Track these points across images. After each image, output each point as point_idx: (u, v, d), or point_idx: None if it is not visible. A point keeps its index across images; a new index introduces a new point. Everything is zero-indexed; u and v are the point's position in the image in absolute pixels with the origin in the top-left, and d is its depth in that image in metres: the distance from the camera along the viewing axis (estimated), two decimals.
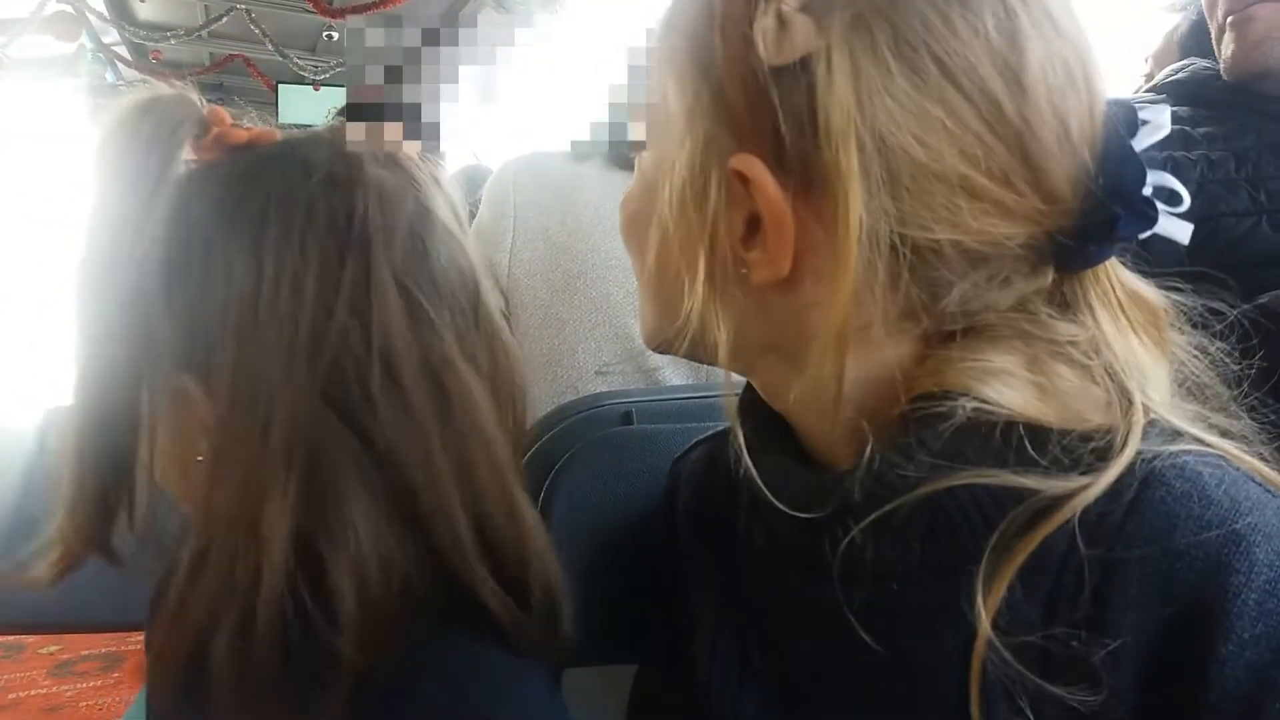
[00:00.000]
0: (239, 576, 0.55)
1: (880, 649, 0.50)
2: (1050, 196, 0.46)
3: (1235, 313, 0.54)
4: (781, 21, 0.45)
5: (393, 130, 1.12)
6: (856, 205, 0.44)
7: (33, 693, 2.47)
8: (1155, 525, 0.44)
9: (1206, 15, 1.01)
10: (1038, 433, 0.46)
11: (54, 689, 2.49)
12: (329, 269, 0.56)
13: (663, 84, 0.53)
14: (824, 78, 0.44)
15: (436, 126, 1.11)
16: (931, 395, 0.48)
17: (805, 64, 0.45)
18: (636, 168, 0.58)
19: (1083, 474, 0.45)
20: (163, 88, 0.61)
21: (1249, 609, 0.42)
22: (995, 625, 0.45)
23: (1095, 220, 0.47)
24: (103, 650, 2.67)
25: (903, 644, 0.50)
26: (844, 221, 0.45)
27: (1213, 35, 1.00)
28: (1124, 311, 0.52)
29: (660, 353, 0.61)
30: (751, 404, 0.59)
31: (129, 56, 7.27)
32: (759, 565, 0.59)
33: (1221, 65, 0.98)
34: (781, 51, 0.45)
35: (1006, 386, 0.47)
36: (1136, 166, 0.47)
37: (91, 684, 2.51)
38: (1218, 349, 0.53)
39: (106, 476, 0.59)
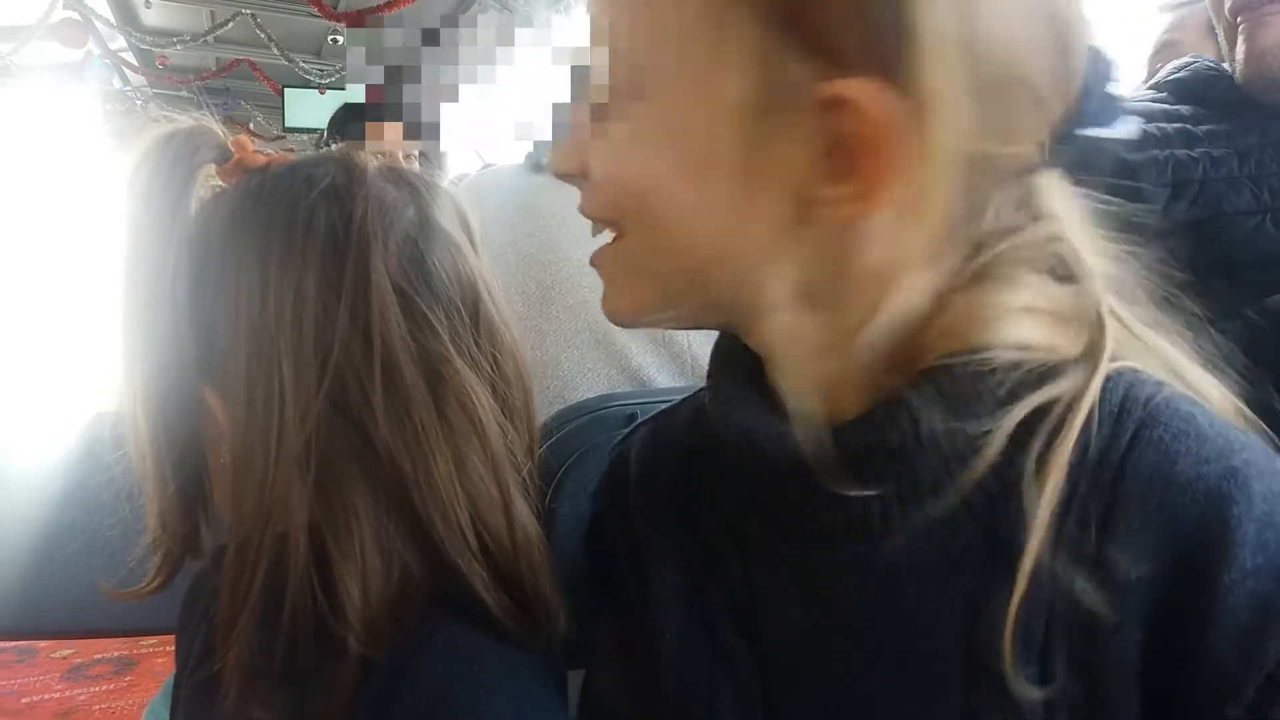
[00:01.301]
0: (266, 571, 0.58)
1: (884, 607, 0.49)
2: (1069, 97, 0.46)
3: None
4: None
5: (393, 131, 1.12)
6: (951, 121, 0.41)
7: (46, 697, 2.49)
8: (1156, 461, 0.44)
9: (1213, 15, 1.00)
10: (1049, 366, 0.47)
11: (67, 693, 2.51)
12: (328, 274, 0.59)
13: (667, 22, 0.47)
14: None
15: (436, 126, 1.12)
16: (966, 350, 0.47)
17: None
18: (614, 130, 0.51)
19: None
20: (183, 120, 0.64)
21: (1249, 539, 0.42)
22: (1009, 570, 0.45)
23: (1074, 114, 0.47)
24: (115, 654, 2.69)
25: (906, 602, 0.49)
26: (938, 140, 0.41)
27: (1220, 35, 0.99)
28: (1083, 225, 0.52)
29: (653, 327, 0.59)
30: (729, 359, 0.57)
31: (136, 62, 7.32)
32: (731, 538, 0.58)
33: (1232, 67, 0.97)
34: None
35: (1030, 326, 0.47)
36: (1105, 63, 0.48)
37: (104, 687, 2.53)
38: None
39: (186, 480, 0.62)
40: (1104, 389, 0.46)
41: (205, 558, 0.67)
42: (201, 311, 0.60)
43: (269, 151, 0.66)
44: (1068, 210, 0.50)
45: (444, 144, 1.09)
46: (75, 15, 5.60)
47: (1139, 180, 0.92)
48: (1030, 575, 0.45)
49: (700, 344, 1.10)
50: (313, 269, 0.59)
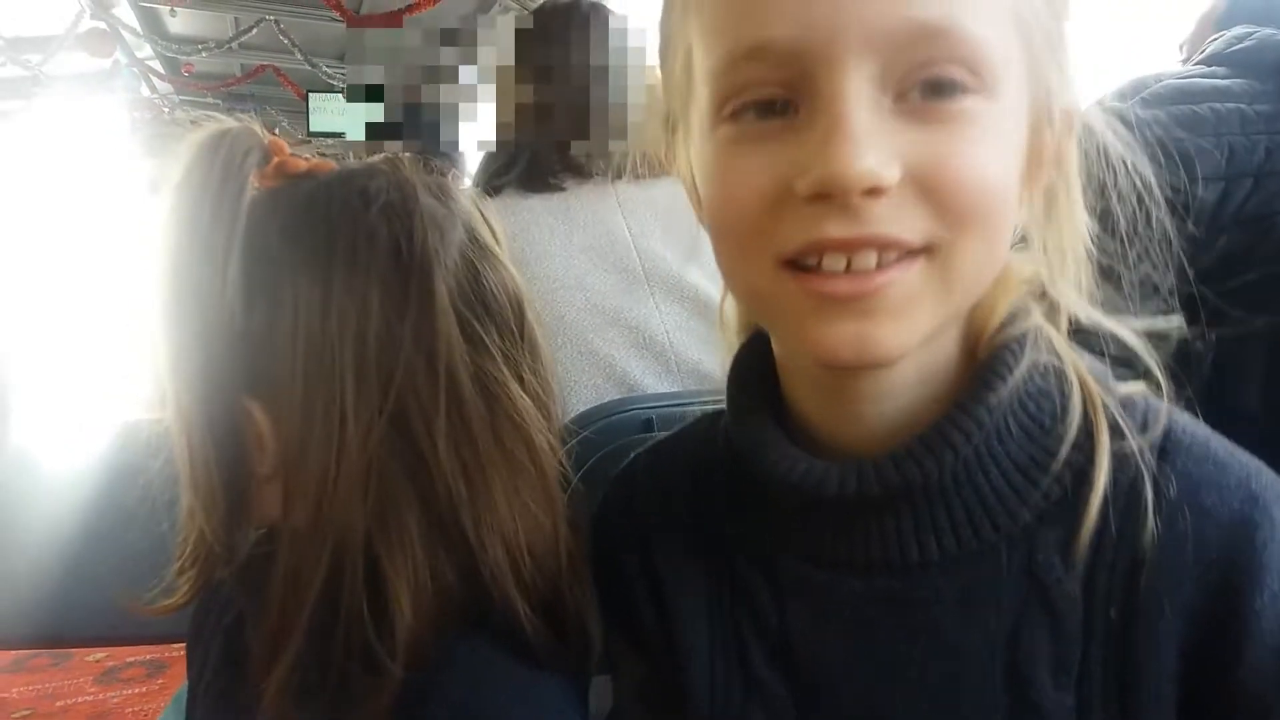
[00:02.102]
0: (320, 588, 0.57)
1: (921, 636, 0.49)
2: None
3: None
4: None
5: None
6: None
7: (80, 700, 2.51)
8: (1182, 489, 0.46)
9: None
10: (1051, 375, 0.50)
11: (100, 695, 2.53)
12: (392, 295, 0.58)
13: (1001, 32, 0.44)
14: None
15: (455, 125, 1.11)
16: (1006, 338, 0.49)
17: None
18: (968, 126, 0.44)
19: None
20: (229, 121, 0.63)
21: (1275, 562, 0.44)
22: (1045, 598, 0.47)
23: None
24: (148, 657, 2.71)
25: (944, 631, 0.49)
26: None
27: None
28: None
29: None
30: (749, 389, 0.56)
31: (162, 70, 7.40)
32: (760, 570, 0.57)
33: None
34: None
35: (1055, 337, 0.50)
36: None
37: (137, 690, 2.55)
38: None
39: (230, 481, 0.61)
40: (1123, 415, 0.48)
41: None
42: (255, 322, 0.59)
43: (306, 156, 0.66)
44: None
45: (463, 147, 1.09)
46: (102, 25, 5.68)
47: (1193, 170, 0.88)
48: (1066, 603, 0.47)
49: (682, 344, 1.09)
50: (375, 287, 0.58)
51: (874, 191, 0.42)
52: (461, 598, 0.59)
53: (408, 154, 0.68)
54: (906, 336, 0.45)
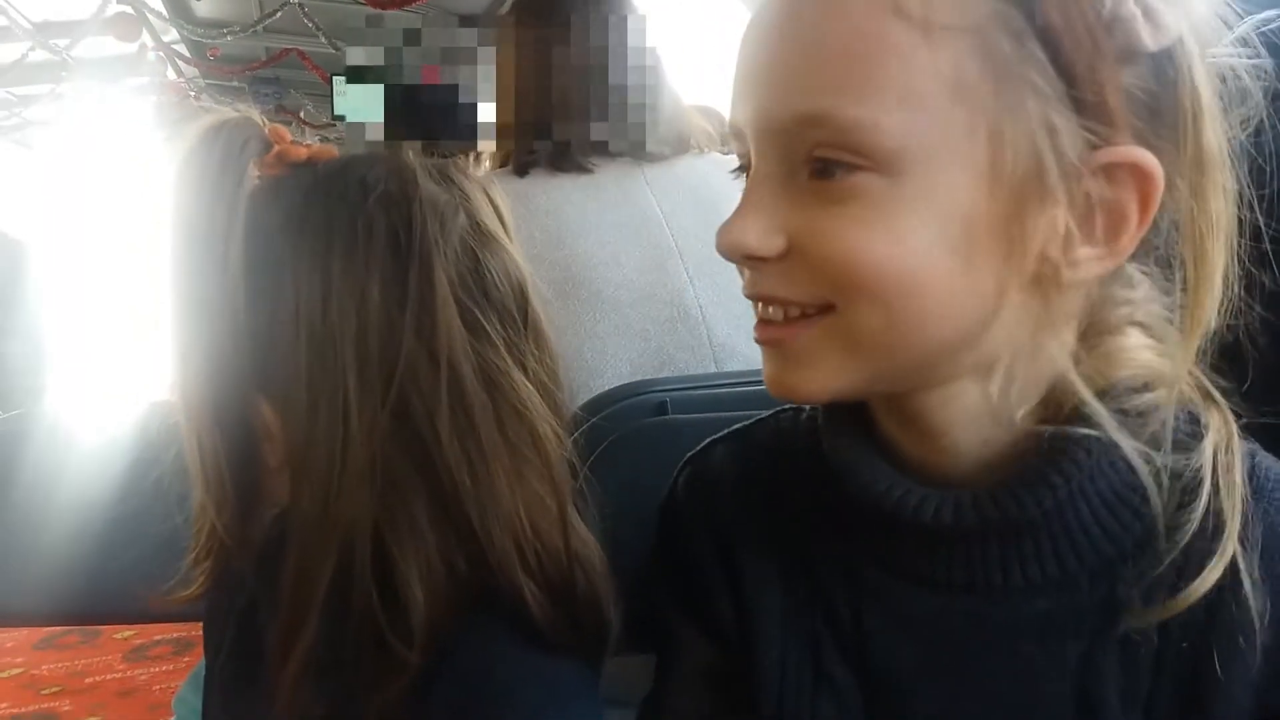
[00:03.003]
0: (331, 576, 0.58)
1: (999, 657, 0.51)
2: None
3: None
4: (1148, 8, 0.45)
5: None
6: (1232, 181, 0.47)
7: (109, 677, 2.55)
8: (1265, 529, 0.48)
9: None
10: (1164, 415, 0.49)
11: (129, 673, 2.58)
12: (390, 285, 0.58)
13: (927, 103, 0.45)
14: (1195, 60, 0.46)
15: (474, 109, 1.11)
16: (1107, 389, 0.49)
17: (1171, 49, 0.46)
18: (855, 210, 0.46)
19: (1180, 451, 0.48)
20: (227, 111, 0.64)
21: None
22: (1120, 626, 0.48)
23: None
24: (174, 635, 2.75)
25: (1022, 651, 0.50)
26: (1219, 203, 0.47)
27: None
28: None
29: (826, 401, 0.57)
30: (843, 407, 0.57)
31: (188, 54, 7.42)
32: (839, 573, 0.57)
33: None
34: (1157, 37, 0.45)
35: (1160, 368, 0.50)
36: None
37: (164, 668, 2.59)
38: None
39: (241, 474, 0.62)
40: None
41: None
42: (259, 315, 0.59)
43: (307, 143, 0.65)
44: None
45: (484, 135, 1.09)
46: (128, 9, 5.69)
47: None
48: (1141, 634, 0.48)
49: (714, 319, 1.09)
50: (375, 278, 0.58)
51: (753, 259, 0.49)
52: (473, 583, 0.59)
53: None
54: (819, 384, 0.50)
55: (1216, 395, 0.50)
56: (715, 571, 0.62)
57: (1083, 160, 0.45)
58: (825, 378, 0.50)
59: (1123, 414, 0.48)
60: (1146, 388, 0.49)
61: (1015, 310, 0.47)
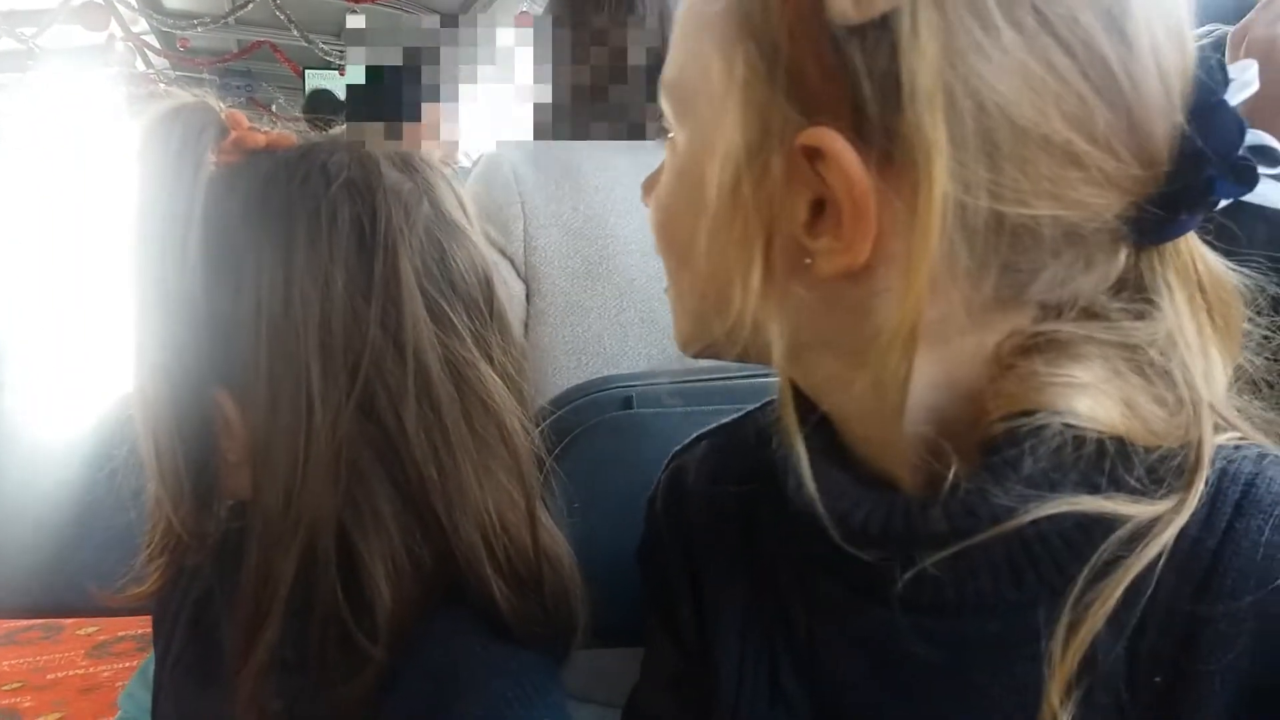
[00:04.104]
0: (294, 572, 0.57)
1: (947, 678, 0.48)
2: (1149, 161, 0.41)
3: None
4: None
5: (412, 131, 1.11)
6: (942, 176, 0.39)
7: (71, 673, 2.52)
8: (1250, 556, 0.42)
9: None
10: (1125, 453, 0.43)
11: (91, 669, 2.55)
12: (355, 276, 0.57)
13: (699, 55, 0.46)
14: (909, 34, 0.38)
15: (455, 108, 1.11)
16: (1019, 413, 0.44)
17: (886, 20, 0.39)
18: (667, 155, 0.51)
19: (1165, 496, 0.42)
20: (184, 96, 0.62)
21: None
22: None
23: (1188, 184, 0.42)
24: (139, 631, 2.72)
25: (972, 673, 0.48)
26: (926, 195, 0.39)
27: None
28: (1202, 292, 0.47)
29: (699, 358, 0.55)
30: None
31: (158, 45, 7.34)
32: (796, 581, 0.56)
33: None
34: (860, 8, 0.39)
35: (1096, 403, 0.43)
36: (1233, 121, 0.42)
37: (128, 664, 2.56)
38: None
39: (197, 469, 0.60)
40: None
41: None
42: (218, 306, 0.58)
43: (265, 129, 0.64)
44: (1178, 307, 0.46)
45: (461, 131, 1.08)
46: None
47: None
48: (1109, 663, 0.43)
49: None
50: (339, 268, 0.57)
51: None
52: (439, 577, 0.59)
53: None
54: (677, 328, 0.54)
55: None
56: (680, 576, 0.62)
57: (789, 140, 0.42)
58: (675, 324, 0.54)
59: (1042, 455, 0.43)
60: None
61: (797, 297, 0.45)
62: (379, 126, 0.67)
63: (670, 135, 0.51)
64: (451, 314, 0.60)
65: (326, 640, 0.57)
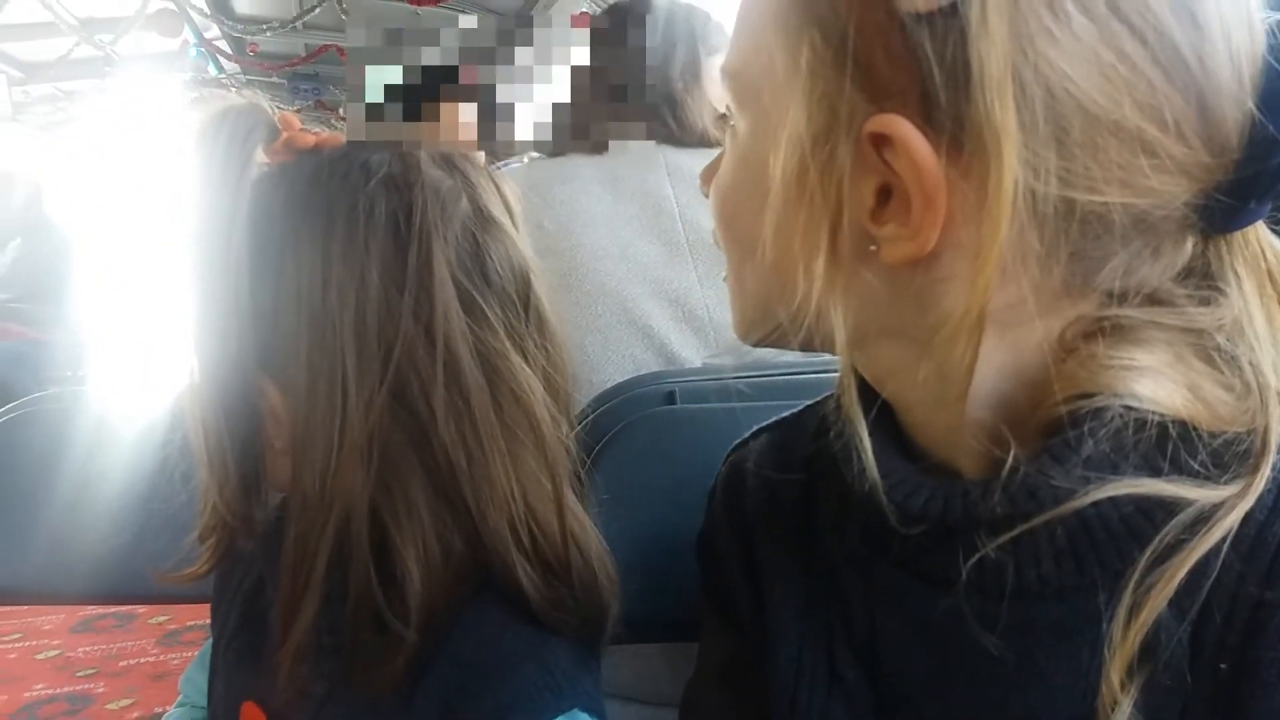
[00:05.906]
0: (328, 556, 0.59)
1: (1010, 663, 0.47)
2: (1219, 148, 0.41)
3: None
4: None
5: (467, 121, 1.12)
6: (1012, 162, 0.38)
7: (142, 660, 2.59)
8: None
9: None
10: (1188, 437, 0.42)
11: (162, 657, 2.62)
12: (390, 267, 0.59)
13: (762, 43, 0.46)
14: (978, 21, 0.38)
15: (510, 108, 1.12)
16: (1079, 395, 0.43)
17: (955, 7, 0.39)
18: (728, 143, 0.52)
19: (1230, 481, 0.42)
20: (235, 98, 0.65)
21: None
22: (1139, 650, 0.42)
23: (1259, 172, 0.41)
24: (207, 621, 2.79)
25: (1035, 658, 0.47)
26: (996, 182, 0.39)
27: None
28: (1271, 279, 0.46)
29: (761, 346, 0.54)
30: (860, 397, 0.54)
31: (229, 50, 7.52)
32: (856, 571, 0.55)
33: None
34: None
35: (1159, 386, 0.43)
36: None
37: (196, 652, 2.62)
38: None
39: (243, 456, 0.63)
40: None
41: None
42: (262, 297, 0.60)
43: (316, 130, 0.66)
44: (1246, 296, 0.45)
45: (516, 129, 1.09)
46: (171, 5, 5.78)
47: None
48: (1171, 650, 0.43)
49: (722, 319, 1.09)
50: (375, 260, 0.59)
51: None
52: (469, 563, 0.60)
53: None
54: (735, 317, 0.55)
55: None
56: (740, 566, 0.62)
57: (858, 127, 0.42)
58: (732, 312, 0.55)
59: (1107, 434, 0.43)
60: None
61: (862, 283, 0.45)
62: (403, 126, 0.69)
63: (731, 123, 0.51)
64: (485, 306, 0.61)
65: (360, 622, 0.58)
